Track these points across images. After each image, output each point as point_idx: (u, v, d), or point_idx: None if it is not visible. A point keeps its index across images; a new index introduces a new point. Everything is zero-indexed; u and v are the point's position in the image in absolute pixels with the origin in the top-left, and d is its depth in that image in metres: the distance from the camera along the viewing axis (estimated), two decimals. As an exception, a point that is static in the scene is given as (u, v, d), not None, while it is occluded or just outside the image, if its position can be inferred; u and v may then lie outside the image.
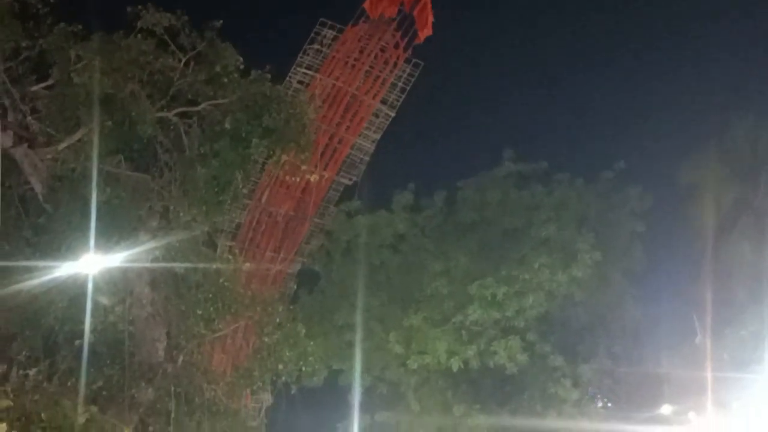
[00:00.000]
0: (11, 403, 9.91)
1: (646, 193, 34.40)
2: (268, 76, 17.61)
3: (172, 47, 16.98)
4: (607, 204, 34.58)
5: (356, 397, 33.27)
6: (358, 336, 32.07)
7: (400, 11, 34.21)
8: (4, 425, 8.41)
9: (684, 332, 34.90)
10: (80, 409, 12.67)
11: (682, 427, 32.28)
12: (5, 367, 12.94)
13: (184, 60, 17.06)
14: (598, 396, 34.35)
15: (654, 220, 34.40)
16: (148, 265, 16.03)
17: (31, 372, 13.89)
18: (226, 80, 17.17)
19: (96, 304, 14.85)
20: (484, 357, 32.61)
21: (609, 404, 34.38)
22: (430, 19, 33.59)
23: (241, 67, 17.39)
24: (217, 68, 17.09)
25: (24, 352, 14.35)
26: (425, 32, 33.77)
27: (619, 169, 34.68)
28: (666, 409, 33.58)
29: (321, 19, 32.90)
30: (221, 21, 17.28)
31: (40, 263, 14.33)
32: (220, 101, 17.15)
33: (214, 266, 17.15)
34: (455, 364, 32.91)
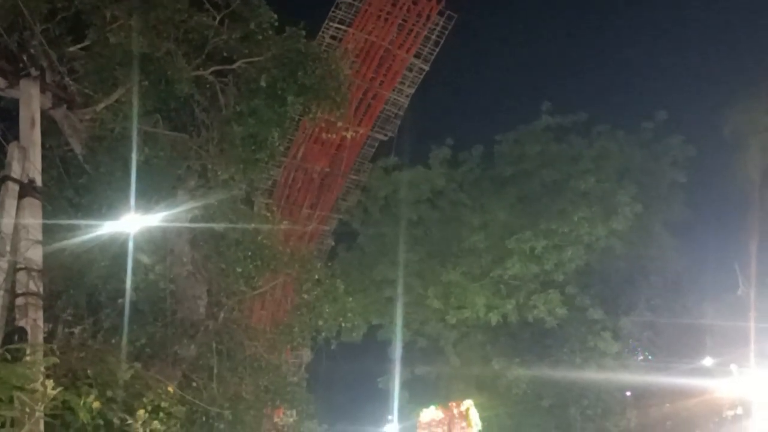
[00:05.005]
0: (57, 360, 10.10)
1: (689, 143, 33.95)
2: (303, 32, 17.49)
3: (207, 5, 16.91)
4: (649, 155, 34.18)
5: (397, 351, 33.53)
6: (399, 290, 32.24)
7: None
8: (51, 381, 8.60)
9: (726, 283, 34.54)
10: (125, 365, 12.87)
11: (724, 379, 32.10)
12: (51, 325, 13.19)
13: (218, 18, 16.99)
14: (639, 348, 34.26)
15: (697, 170, 33.98)
16: (187, 225, 16.15)
17: (76, 330, 14.15)
18: (260, 37, 17.07)
19: (137, 263, 15.03)
20: (523, 311, 32.66)
21: (650, 356, 34.29)
22: None
23: (276, 24, 17.27)
24: (252, 25, 16.99)
25: (69, 311, 14.61)
26: None
27: (661, 118, 34.22)
28: (708, 361, 33.40)
29: (354, -27, 32.61)
30: (254, -22, 17.15)
31: (82, 223, 14.50)
32: (255, 59, 17.07)
33: (253, 224, 17.24)
34: (494, 319, 33.02)
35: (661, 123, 34.25)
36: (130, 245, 14.38)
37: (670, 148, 34.10)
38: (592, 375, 31.86)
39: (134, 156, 15.01)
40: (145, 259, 15.39)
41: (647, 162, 34.15)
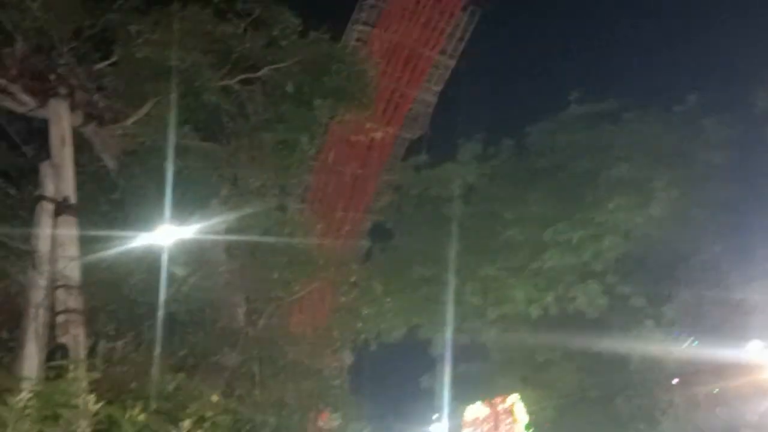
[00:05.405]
0: (99, 375, 10.20)
1: (722, 124, 33.44)
2: (327, 36, 17.53)
3: (230, 14, 16.98)
4: (682, 138, 33.73)
5: (447, 349, 33.45)
6: (450, 288, 32.15)
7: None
8: (93, 396, 8.68)
9: (769, 264, 33.99)
10: (168, 377, 12.95)
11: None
12: (93, 340, 13.33)
13: (242, 26, 17.06)
14: (683, 334, 33.82)
15: (732, 150, 33.41)
16: (221, 237, 16.25)
17: (118, 344, 14.29)
18: (285, 43, 17.13)
19: (174, 274, 15.15)
20: (564, 303, 32.42)
21: (695, 342, 33.84)
22: None
23: (299, 29, 17.33)
24: (275, 32, 17.06)
25: (110, 325, 14.76)
26: None
27: (692, 101, 33.77)
28: (755, 344, 32.90)
29: (375, -26, 32.70)
30: (276, -16, 17.22)
31: (118, 237, 14.62)
32: (280, 65, 17.14)
33: (287, 230, 17.30)
34: (534, 312, 32.81)
35: (692, 105, 33.81)
36: (164, 257, 14.49)
37: (703, 129, 33.65)
38: (636, 364, 31.54)
39: (170, 168, 15.12)
40: (180, 271, 15.49)
41: (681, 145, 33.72)
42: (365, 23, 32.53)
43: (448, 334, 34.70)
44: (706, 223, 33.82)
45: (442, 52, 33.82)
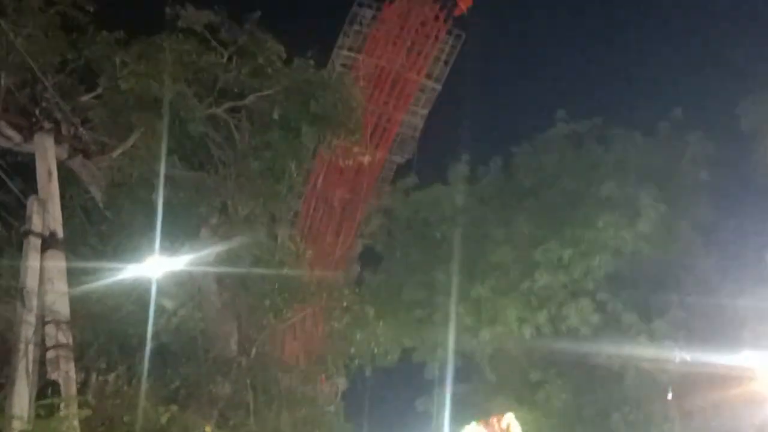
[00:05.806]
0: (90, 412, 10.10)
1: (707, 139, 33.63)
2: (312, 62, 17.61)
3: (214, 43, 17.04)
4: (668, 154, 33.87)
5: (442, 371, 33.32)
6: (452, 310, 32.04)
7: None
8: (85, 435, 8.62)
9: (759, 275, 34.09)
10: (161, 409, 12.86)
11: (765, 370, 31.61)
12: (84, 375, 13.23)
13: (227, 55, 17.11)
14: (676, 349, 33.82)
15: (718, 165, 33.57)
16: (211, 266, 16.18)
17: (110, 377, 14.18)
18: (270, 71, 17.19)
19: (165, 305, 15.08)
20: (556, 321, 32.34)
21: (687, 357, 33.84)
22: None
23: (284, 56, 17.39)
24: (260, 60, 17.13)
25: (101, 359, 14.66)
26: (465, 2, 33.57)
27: (676, 117, 33.97)
28: (746, 355, 32.91)
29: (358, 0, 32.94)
30: (259, 13, 17.28)
31: (107, 270, 14.54)
32: (266, 92, 17.21)
33: (277, 257, 17.26)
34: (527, 331, 32.73)
35: (677, 121, 33.99)
36: (153, 289, 14.42)
37: (688, 145, 33.82)
38: (631, 380, 31.48)
39: (155, 199, 15.09)
40: (169, 303, 15.42)
41: (667, 162, 33.84)
42: (350, 49, 32.72)
43: (443, 356, 34.59)
44: (696, 238, 33.92)
45: (428, 76, 34.02)
